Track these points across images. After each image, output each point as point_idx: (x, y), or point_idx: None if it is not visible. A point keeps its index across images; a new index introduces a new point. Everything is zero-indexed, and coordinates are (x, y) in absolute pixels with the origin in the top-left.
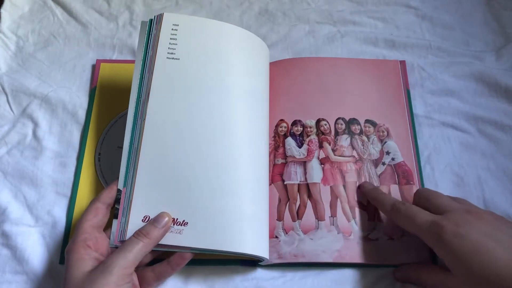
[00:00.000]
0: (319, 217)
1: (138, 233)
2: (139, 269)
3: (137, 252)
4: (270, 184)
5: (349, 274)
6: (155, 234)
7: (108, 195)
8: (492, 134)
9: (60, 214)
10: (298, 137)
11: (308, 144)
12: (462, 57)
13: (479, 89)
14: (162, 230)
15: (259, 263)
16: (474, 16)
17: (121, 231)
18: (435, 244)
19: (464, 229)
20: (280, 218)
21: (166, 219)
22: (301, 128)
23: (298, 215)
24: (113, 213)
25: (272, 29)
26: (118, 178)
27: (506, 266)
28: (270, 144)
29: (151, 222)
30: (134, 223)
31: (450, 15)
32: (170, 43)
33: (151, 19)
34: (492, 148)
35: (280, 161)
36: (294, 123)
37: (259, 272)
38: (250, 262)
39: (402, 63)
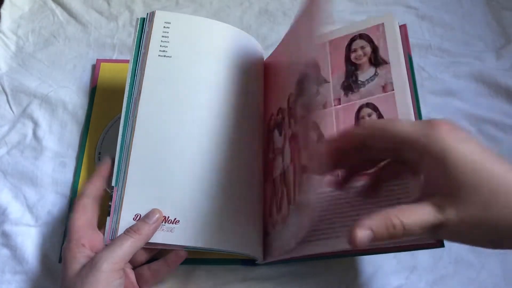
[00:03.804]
0: (289, 201)
1: (129, 230)
2: (137, 267)
3: (126, 247)
4: (265, 182)
5: (351, 273)
6: (145, 230)
7: (93, 187)
8: (493, 134)
9: (60, 214)
10: (280, 125)
11: (283, 128)
12: (462, 57)
13: (479, 89)
14: (153, 226)
15: (256, 262)
16: (474, 16)
17: (112, 229)
18: (426, 149)
19: (462, 131)
20: (271, 214)
21: (157, 215)
22: (281, 115)
23: (281, 206)
24: (107, 210)
25: (272, 29)
26: (99, 169)
27: None
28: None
29: (142, 218)
30: (125, 221)
31: (450, 15)
32: (162, 41)
33: (143, 18)
34: (492, 148)
35: (271, 155)
36: (278, 112)
37: (260, 272)
38: (250, 262)
39: (403, 27)
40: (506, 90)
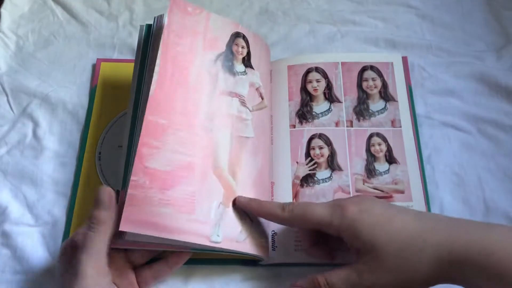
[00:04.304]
0: None
1: (88, 224)
2: (137, 268)
3: (97, 244)
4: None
5: None
6: (105, 216)
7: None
8: (493, 134)
9: (60, 214)
10: None
11: None
12: (462, 57)
13: (479, 89)
14: (111, 209)
15: (259, 263)
16: (474, 16)
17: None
18: (339, 227)
19: (366, 204)
20: None
21: (107, 194)
22: None
23: None
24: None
25: (272, 29)
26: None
27: (415, 228)
28: None
29: (94, 205)
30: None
31: (451, 15)
32: None
33: (149, 24)
34: (492, 148)
35: None
36: None
37: (259, 272)
38: (250, 262)
39: (404, 59)
40: (506, 90)
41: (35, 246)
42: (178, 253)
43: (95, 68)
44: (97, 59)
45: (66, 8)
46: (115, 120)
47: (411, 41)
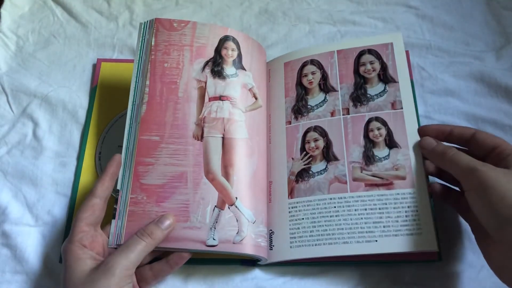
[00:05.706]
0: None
1: (142, 233)
2: (138, 267)
3: (139, 252)
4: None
5: (350, 274)
6: (158, 234)
7: (103, 188)
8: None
9: (60, 214)
10: None
11: None
12: (462, 57)
13: (479, 89)
14: (166, 232)
15: (258, 263)
16: (474, 16)
17: (117, 234)
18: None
19: None
20: None
21: (170, 220)
22: None
23: None
24: (112, 212)
25: (272, 29)
26: (107, 169)
27: None
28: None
29: (155, 222)
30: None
31: (450, 15)
32: None
33: (142, 23)
34: None
35: None
36: None
37: (259, 272)
38: (250, 262)
39: (406, 53)
40: (506, 90)
41: (35, 246)
42: (179, 253)
43: (95, 68)
44: (98, 59)
45: (66, 8)
46: (115, 120)
47: (411, 41)
